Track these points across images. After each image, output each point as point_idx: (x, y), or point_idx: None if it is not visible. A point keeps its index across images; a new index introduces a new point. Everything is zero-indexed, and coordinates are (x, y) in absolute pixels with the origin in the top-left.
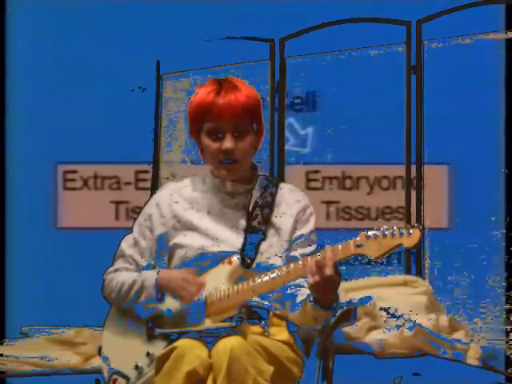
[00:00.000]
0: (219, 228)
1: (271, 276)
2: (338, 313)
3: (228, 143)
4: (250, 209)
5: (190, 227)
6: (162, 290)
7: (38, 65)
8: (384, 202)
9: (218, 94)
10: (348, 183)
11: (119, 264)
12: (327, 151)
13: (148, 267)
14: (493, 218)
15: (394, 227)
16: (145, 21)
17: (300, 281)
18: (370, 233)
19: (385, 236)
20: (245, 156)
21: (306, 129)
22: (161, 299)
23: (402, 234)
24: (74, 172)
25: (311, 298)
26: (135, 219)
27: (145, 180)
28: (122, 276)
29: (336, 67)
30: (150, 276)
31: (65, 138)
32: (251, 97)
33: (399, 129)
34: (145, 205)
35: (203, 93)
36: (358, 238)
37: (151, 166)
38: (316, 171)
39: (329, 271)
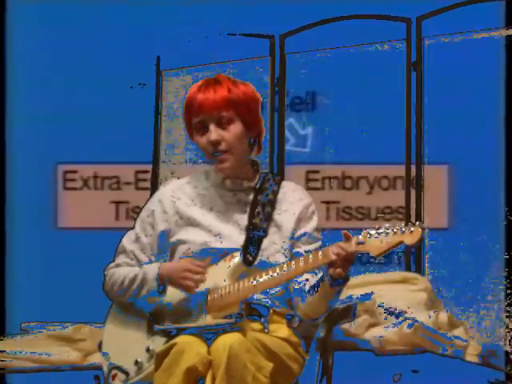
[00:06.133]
0: (222, 224)
1: (272, 273)
2: (338, 310)
3: (212, 135)
4: (252, 206)
5: (193, 223)
6: (164, 282)
7: (38, 64)
8: (384, 202)
9: (199, 90)
10: (348, 183)
11: (120, 259)
12: (327, 151)
13: (149, 263)
14: (492, 218)
15: (396, 225)
16: (145, 17)
17: (306, 276)
18: (372, 231)
19: (386, 234)
20: (233, 147)
21: (306, 129)
22: (163, 292)
23: (403, 232)
24: (74, 172)
25: (328, 278)
26: (138, 214)
27: (145, 180)
28: (123, 270)
29: (336, 64)
30: (152, 269)
31: (65, 138)
32: (234, 91)
33: (399, 129)
34: (147, 201)
35: (189, 92)
36: (359, 236)
37: (151, 166)
38: (316, 171)
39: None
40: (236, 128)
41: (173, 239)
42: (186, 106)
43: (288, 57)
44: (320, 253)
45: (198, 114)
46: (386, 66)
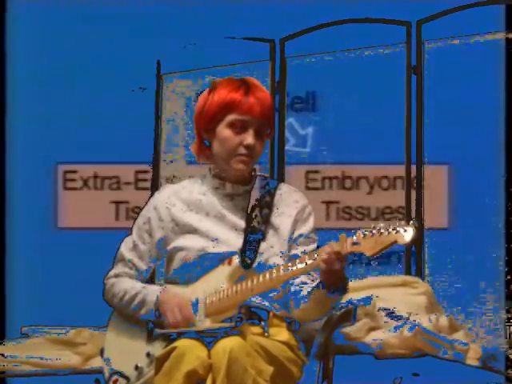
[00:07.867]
0: (219, 229)
1: (269, 276)
2: (339, 313)
3: (251, 139)
4: (249, 209)
5: (190, 230)
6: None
7: (39, 64)
8: (384, 202)
9: (249, 91)
10: (348, 183)
11: (119, 268)
12: (327, 151)
13: (148, 270)
14: (492, 218)
15: (390, 225)
16: (145, 21)
17: (303, 278)
18: (366, 231)
19: (380, 234)
20: (258, 155)
21: (306, 129)
22: (159, 317)
23: (397, 232)
24: (74, 172)
25: (323, 287)
26: (134, 221)
27: (145, 180)
28: (124, 283)
29: (336, 67)
30: (153, 292)
31: (65, 138)
32: (272, 100)
33: (399, 129)
34: (143, 207)
35: (229, 88)
36: (354, 237)
37: (151, 166)
38: (316, 171)
39: (339, 261)
40: (265, 138)
41: (169, 246)
42: (229, 102)
43: (288, 60)
44: (315, 254)
45: (244, 113)
46: (386, 70)
